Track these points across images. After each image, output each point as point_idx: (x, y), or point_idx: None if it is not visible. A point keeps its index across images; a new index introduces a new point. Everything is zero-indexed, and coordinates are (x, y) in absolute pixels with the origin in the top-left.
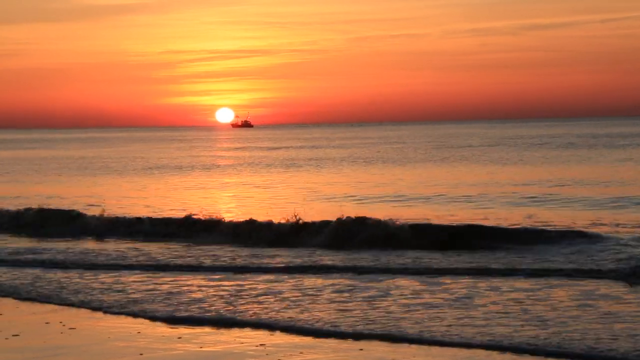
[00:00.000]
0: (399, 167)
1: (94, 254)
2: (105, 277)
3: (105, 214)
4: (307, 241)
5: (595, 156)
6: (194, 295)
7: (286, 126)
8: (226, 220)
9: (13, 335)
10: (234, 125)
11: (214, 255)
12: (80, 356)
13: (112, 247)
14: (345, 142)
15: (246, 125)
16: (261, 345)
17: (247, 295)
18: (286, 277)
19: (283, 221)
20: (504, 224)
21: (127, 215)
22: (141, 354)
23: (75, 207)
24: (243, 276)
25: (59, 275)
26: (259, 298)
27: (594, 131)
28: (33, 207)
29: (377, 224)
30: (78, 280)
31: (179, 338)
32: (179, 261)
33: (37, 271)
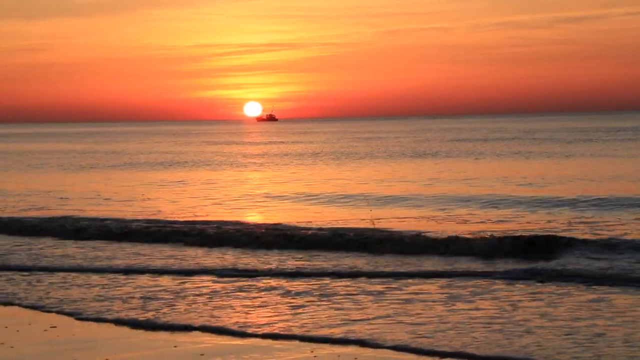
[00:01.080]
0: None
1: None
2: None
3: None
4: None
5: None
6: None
7: (312, 120)
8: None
9: (51, 327)
10: (259, 119)
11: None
12: (109, 349)
13: None
14: (371, 136)
15: (271, 119)
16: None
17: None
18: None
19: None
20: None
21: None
22: (175, 347)
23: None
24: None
25: None
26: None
27: (625, 125)
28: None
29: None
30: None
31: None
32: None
33: None
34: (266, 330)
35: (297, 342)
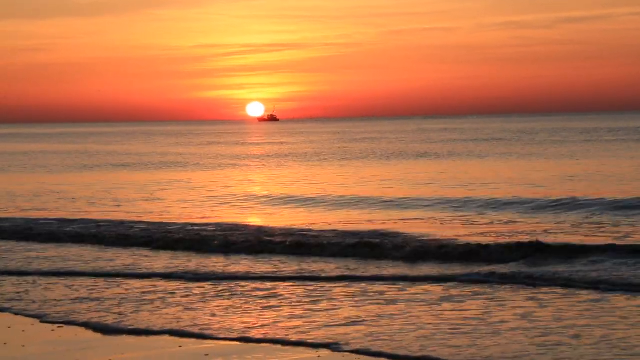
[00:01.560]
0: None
1: None
2: None
3: None
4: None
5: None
6: None
7: (315, 120)
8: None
9: (58, 327)
10: (261, 120)
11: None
12: (111, 349)
13: None
14: (371, 137)
15: (272, 119)
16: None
17: None
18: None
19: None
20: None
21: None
22: (180, 346)
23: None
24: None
25: None
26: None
27: (628, 125)
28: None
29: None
30: None
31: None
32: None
33: None
34: (235, 334)
35: (252, 345)
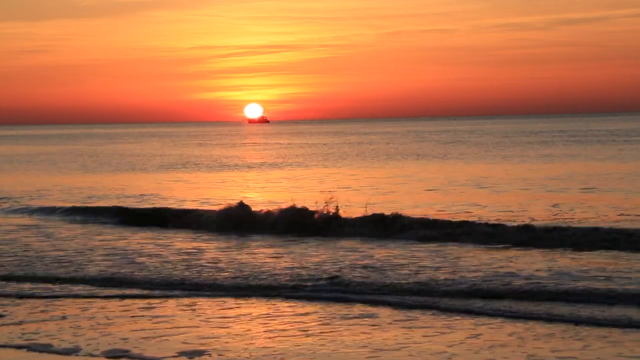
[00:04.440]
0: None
1: None
2: None
3: None
4: None
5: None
6: None
7: (311, 122)
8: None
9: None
10: (251, 122)
11: None
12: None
13: None
14: (367, 138)
15: (263, 121)
16: None
17: None
18: None
19: None
20: None
21: None
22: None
23: None
24: None
25: None
26: None
27: (625, 127)
28: None
29: None
30: None
31: None
32: None
33: None
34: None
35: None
